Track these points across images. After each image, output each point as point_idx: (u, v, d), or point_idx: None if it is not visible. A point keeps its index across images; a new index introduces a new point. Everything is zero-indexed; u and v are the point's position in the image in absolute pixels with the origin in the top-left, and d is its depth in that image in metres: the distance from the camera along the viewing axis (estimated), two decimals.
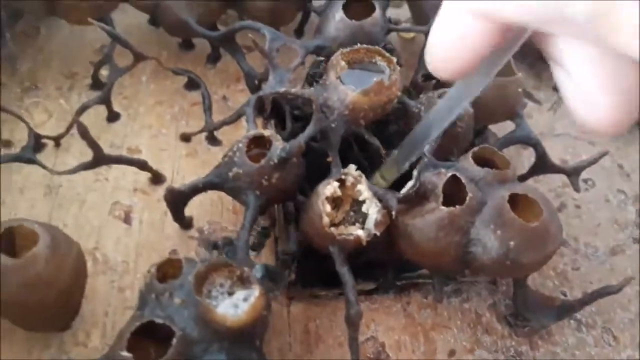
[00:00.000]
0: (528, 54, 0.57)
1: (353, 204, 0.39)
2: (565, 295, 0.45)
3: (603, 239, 0.49)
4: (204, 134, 0.46)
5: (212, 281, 0.32)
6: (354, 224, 0.38)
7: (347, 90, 0.39)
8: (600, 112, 0.21)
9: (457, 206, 0.37)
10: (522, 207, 0.38)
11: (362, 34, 0.45)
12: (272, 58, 0.43)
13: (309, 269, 0.43)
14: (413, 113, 0.44)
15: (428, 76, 0.50)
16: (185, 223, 0.43)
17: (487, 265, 0.37)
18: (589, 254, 0.48)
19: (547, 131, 0.55)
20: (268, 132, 0.38)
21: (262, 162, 0.37)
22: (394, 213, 0.37)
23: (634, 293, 0.47)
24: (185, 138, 0.47)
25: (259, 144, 0.39)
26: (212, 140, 0.46)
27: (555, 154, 0.52)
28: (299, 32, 0.57)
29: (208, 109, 0.44)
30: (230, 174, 0.38)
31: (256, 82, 0.47)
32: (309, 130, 0.38)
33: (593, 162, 0.45)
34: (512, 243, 0.36)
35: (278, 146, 0.37)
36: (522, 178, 0.47)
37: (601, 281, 0.46)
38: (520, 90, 0.44)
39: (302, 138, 0.37)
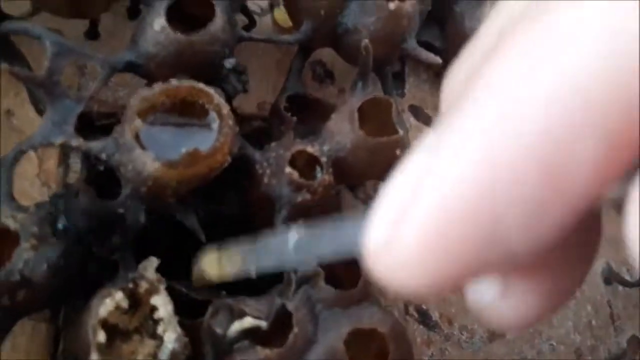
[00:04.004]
0: None
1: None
2: None
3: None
4: None
5: None
6: (153, 336, 0.28)
7: (145, 158, 0.27)
8: None
9: (275, 349, 0.27)
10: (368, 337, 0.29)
11: (192, 52, 0.32)
12: (52, 84, 0.30)
13: None
14: (256, 174, 0.32)
15: (295, 98, 0.38)
16: None
17: None
18: (462, 341, 0.40)
19: None
20: (13, 225, 0.26)
21: None
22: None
23: None
24: None
25: None
26: None
27: None
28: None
29: None
30: None
31: None
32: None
33: None
34: None
35: (23, 252, 0.25)
36: None
37: None
38: (399, 152, 0.33)
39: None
